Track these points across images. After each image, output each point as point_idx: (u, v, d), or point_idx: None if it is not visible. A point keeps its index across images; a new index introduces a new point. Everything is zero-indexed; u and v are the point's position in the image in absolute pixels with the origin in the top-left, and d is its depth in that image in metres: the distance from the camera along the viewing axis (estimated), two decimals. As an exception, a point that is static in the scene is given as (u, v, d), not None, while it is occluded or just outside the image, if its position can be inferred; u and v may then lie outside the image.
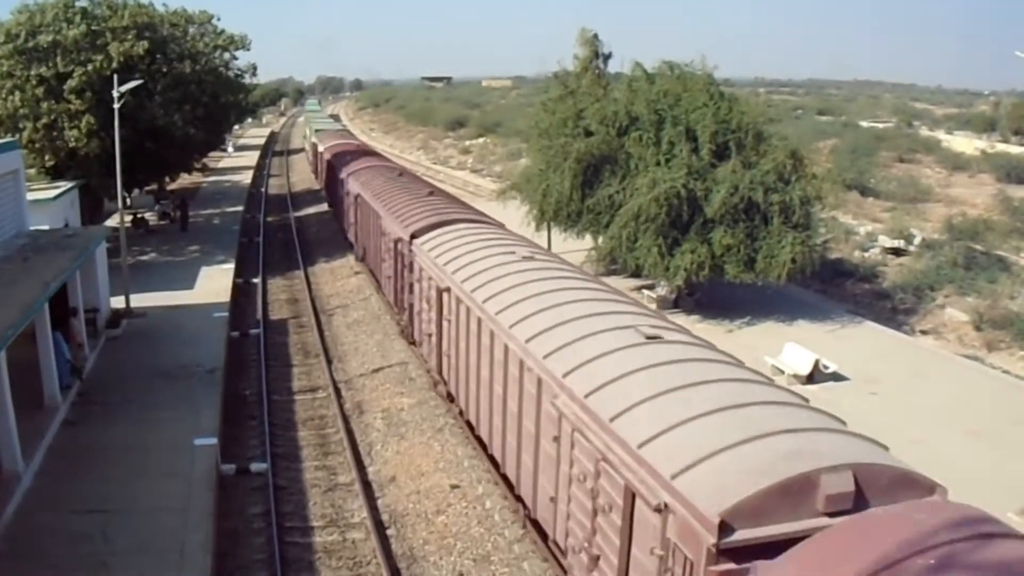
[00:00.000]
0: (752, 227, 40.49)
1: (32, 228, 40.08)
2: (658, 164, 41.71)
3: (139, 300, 44.31)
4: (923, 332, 47.26)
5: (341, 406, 35.02)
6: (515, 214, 47.23)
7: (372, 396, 36.29)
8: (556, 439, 19.78)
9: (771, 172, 40.45)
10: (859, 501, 14.11)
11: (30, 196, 42.93)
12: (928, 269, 54.65)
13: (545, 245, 43.44)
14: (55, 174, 54.57)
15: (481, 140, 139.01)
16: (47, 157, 53.37)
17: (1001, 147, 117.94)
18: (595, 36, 53.34)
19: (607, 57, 53.26)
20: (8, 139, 43.12)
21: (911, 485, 14.66)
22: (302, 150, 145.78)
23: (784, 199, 39.92)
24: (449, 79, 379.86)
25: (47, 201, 46.65)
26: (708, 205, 40.02)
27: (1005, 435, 30.13)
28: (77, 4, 54.62)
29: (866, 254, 60.68)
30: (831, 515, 13.87)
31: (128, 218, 59.57)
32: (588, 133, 44.95)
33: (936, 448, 22.81)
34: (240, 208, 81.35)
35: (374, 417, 34.02)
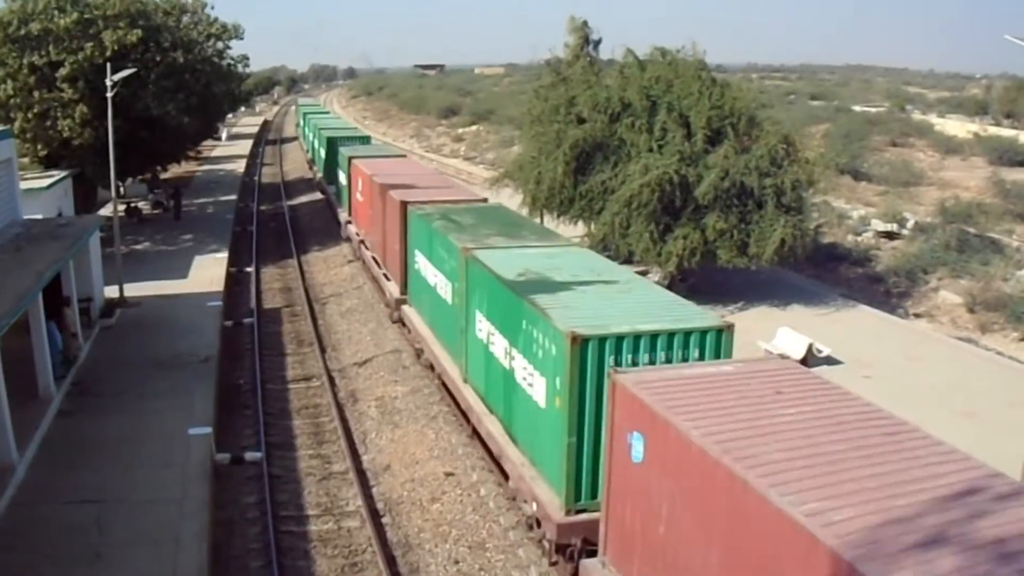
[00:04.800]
0: (745, 212, 40.64)
1: (25, 218, 39.96)
2: (651, 150, 41.74)
3: (133, 289, 44.29)
4: (917, 315, 47.54)
5: (335, 395, 35.11)
6: (509, 201, 47.17)
7: (366, 385, 36.40)
8: None
9: (764, 157, 40.53)
10: None
11: (23, 185, 42.87)
12: (921, 252, 54.95)
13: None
14: (48, 163, 54.42)
15: (474, 128, 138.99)
16: (40, 147, 53.16)
17: (993, 130, 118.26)
18: (584, 23, 53.30)
19: (597, 43, 53.21)
20: (0, 128, 42.98)
21: None
22: (295, 139, 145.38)
23: (776, 183, 40.02)
24: (442, 67, 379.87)
25: (40, 190, 46.46)
26: (698, 189, 40.14)
27: (999, 416, 30.39)
28: (70, -9, 54.25)
29: (859, 238, 60.91)
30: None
31: (122, 207, 59.57)
32: (581, 120, 44.92)
33: (930, 430, 22.75)
34: (234, 197, 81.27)
35: (368, 405, 34.13)
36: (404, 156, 71.04)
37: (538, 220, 45.74)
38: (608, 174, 43.10)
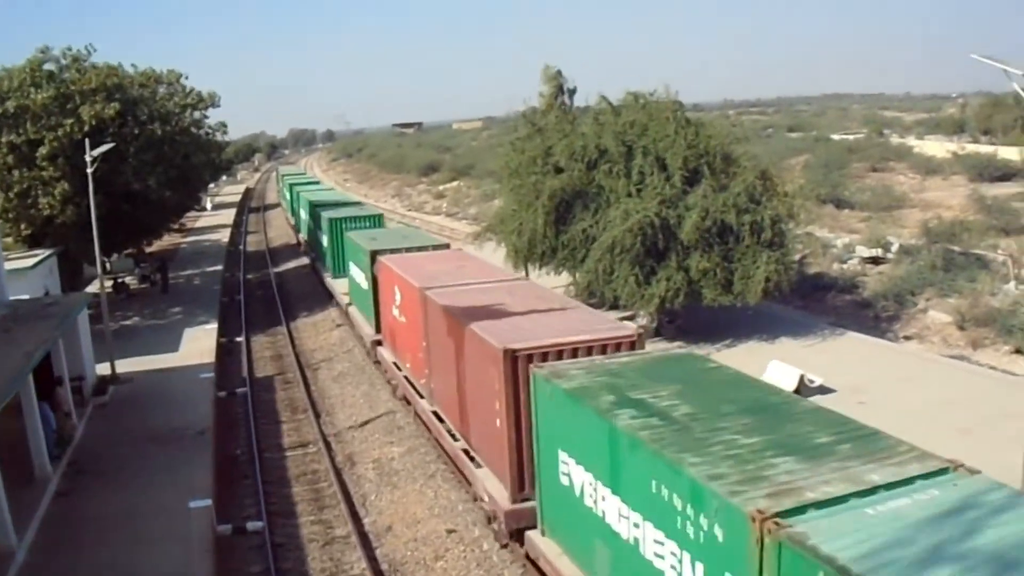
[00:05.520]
0: (727, 250, 40.94)
1: (12, 298, 40.00)
2: (629, 195, 41.99)
3: (124, 365, 44.28)
4: (907, 337, 47.71)
5: (332, 459, 35.10)
6: (492, 256, 47.29)
7: (362, 447, 36.45)
8: None
9: (742, 193, 40.79)
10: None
11: (8, 266, 42.95)
12: (907, 274, 55.21)
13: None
14: (32, 242, 54.43)
15: (455, 183, 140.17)
16: (23, 226, 53.21)
17: (971, 147, 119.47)
18: (558, 72, 53.71)
19: (572, 92, 53.61)
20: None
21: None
22: (278, 205, 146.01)
23: (756, 219, 40.33)
24: (420, 124, 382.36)
25: (25, 270, 46.57)
26: (681, 231, 40.38)
27: (995, 429, 30.36)
28: (44, 67, 54.35)
29: (845, 266, 61.17)
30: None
31: (108, 283, 59.54)
32: (558, 169, 45.11)
33: (928, 449, 22.98)
34: (220, 267, 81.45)
35: (366, 468, 34.16)
36: (447, 246, 49.41)
37: (523, 272, 45.82)
38: (589, 222, 43.28)
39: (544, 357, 23.53)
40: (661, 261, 41.22)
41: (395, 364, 39.90)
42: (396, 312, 39.00)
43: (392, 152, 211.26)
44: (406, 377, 37.67)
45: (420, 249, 45.62)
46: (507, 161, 50.86)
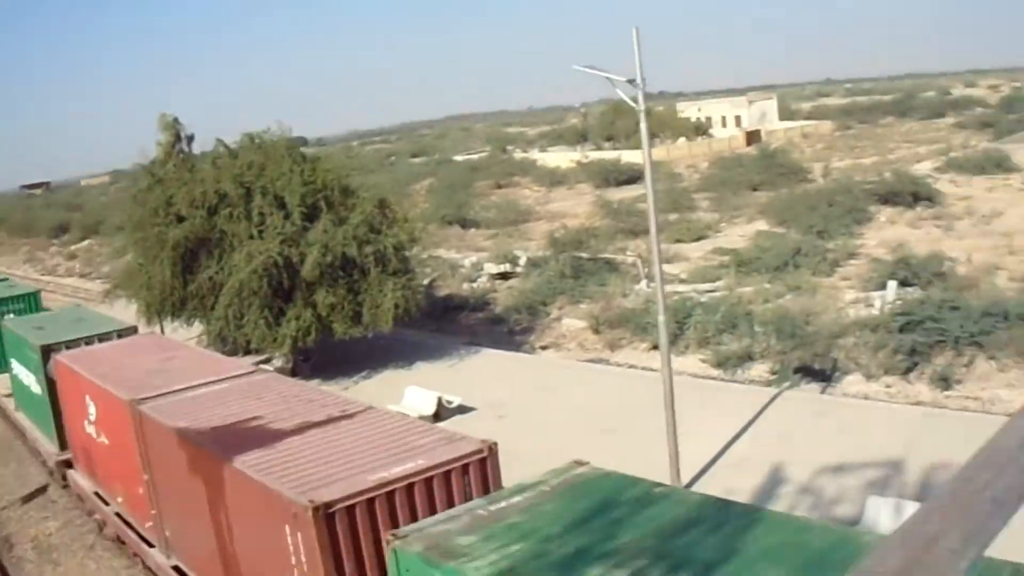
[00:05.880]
0: (352, 282, 41.51)
1: None
2: (252, 237, 41.87)
3: None
4: (543, 347, 49.00)
5: (-11, 545, 33.67)
6: (124, 313, 46.34)
7: (18, 527, 34.82)
8: None
9: (361, 224, 41.43)
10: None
11: None
12: (537, 286, 56.48)
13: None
14: None
15: (86, 242, 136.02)
16: None
17: (596, 155, 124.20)
18: (175, 120, 53.13)
19: (190, 138, 53.10)
20: None
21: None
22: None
23: (378, 248, 41.05)
24: (48, 184, 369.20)
25: None
26: (303, 269, 40.72)
27: (638, 425, 31.30)
28: None
29: (474, 284, 62.27)
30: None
31: None
32: (180, 218, 44.49)
33: (572, 453, 24.06)
34: None
35: (24, 549, 32.73)
36: (135, 329, 38.39)
37: (157, 329, 45.10)
38: (215, 268, 42.76)
39: (370, 505, 16.03)
40: (289, 300, 41.43)
41: (98, 495, 30.63)
42: (92, 430, 29.06)
43: (21, 215, 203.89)
44: (119, 515, 28.48)
45: (103, 338, 35.86)
46: (130, 215, 49.73)
